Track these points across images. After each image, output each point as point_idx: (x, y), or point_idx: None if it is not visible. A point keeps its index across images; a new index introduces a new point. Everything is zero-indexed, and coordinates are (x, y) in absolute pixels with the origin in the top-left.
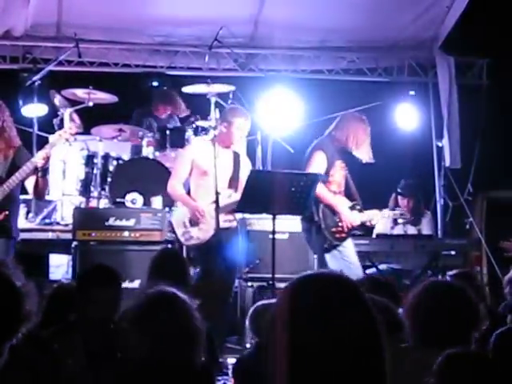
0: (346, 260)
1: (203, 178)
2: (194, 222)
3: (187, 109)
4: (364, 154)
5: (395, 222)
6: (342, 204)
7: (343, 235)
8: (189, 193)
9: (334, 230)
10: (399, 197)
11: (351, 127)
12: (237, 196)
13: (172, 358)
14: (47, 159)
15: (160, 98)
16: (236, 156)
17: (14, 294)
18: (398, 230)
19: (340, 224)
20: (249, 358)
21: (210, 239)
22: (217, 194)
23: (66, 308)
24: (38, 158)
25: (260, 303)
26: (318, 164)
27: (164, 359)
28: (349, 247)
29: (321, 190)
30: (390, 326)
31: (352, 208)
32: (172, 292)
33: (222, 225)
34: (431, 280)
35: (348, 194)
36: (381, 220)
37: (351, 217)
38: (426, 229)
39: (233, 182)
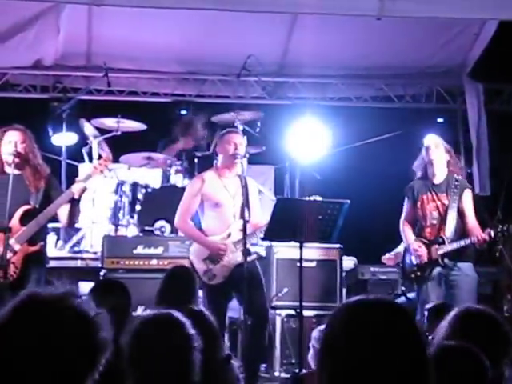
0: None
1: (215, 209)
2: (214, 260)
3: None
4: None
5: None
6: (411, 237)
7: (418, 274)
8: (199, 224)
9: (409, 270)
10: None
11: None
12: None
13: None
14: (83, 191)
15: (179, 130)
16: (242, 180)
17: (87, 324)
18: None
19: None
20: None
21: (232, 274)
22: (244, 222)
23: None
24: (75, 190)
25: None
26: (404, 209)
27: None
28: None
29: (401, 224)
30: None
31: (433, 242)
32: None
33: (241, 259)
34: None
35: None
36: None
37: (415, 248)
38: None
39: (244, 210)
